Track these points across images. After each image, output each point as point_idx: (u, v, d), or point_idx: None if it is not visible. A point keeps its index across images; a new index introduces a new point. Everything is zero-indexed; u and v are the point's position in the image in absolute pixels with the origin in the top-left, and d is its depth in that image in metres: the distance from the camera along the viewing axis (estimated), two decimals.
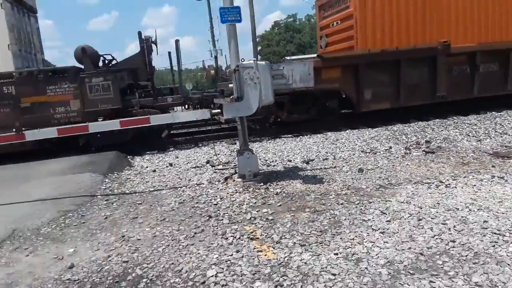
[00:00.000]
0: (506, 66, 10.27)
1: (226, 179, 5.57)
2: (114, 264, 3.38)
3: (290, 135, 9.01)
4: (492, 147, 6.58)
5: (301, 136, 8.48)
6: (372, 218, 3.93)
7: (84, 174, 6.15)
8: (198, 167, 6.54)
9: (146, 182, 5.86)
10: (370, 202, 4.38)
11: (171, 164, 6.78)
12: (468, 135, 7.59)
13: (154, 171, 6.46)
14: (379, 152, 6.90)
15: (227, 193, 4.99)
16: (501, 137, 7.32)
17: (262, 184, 5.24)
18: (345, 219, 3.96)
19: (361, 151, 7.03)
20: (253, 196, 4.84)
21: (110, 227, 4.23)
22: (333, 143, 7.69)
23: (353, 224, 3.83)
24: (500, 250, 3.05)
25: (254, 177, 5.35)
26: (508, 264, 2.84)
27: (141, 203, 4.91)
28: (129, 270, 3.27)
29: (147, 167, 6.76)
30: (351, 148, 7.27)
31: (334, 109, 9.73)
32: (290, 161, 6.65)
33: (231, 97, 5.17)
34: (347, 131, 8.64)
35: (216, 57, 32.66)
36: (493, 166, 5.44)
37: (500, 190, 4.40)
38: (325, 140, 7.99)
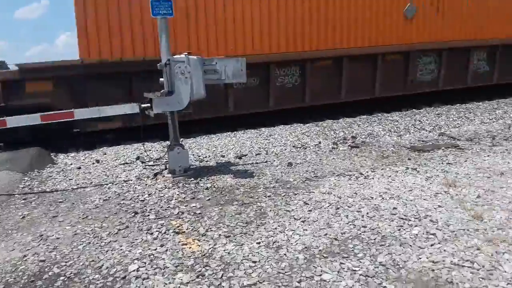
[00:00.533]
0: (267, 82, 9.26)
1: (155, 175, 5.50)
2: (30, 264, 3.24)
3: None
4: (410, 142, 7.11)
5: (235, 132, 8.56)
6: (296, 208, 4.11)
7: (0, 172, 5.74)
8: (127, 163, 6.38)
9: (70, 179, 5.60)
10: (296, 194, 4.57)
11: (98, 161, 6.54)
12: (390, 131, 8.12)
13: (79, 168, 6.19)
14: (309, 147, 7.18)
15: (156, 189, 4.93)
16: (419, 132, 7.93)
17: (192, 179, 5.25)
18: (270, 211, 4.10)
19: (293, 146, 7.27)
20: (182, 191, 4.84)
21: (28, 226, 4.02)
22: (267, 139, 7.86)
23: (277, 215, 3.98)
24: (405, 233, 3.34)
25: (184, 172, 5.34)
26: (410, 245, 3.13)
27: (62, 201, 4.70)
28: (46, 269, 3.14)
29: (71, 164, 6.46)
30: (283, 143, 7.48)
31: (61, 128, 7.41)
32: (223, 156, 6.71)
33: (161, 91, 5.11)
34: (281, 127, 8.87)
35: None
36: (409, 159, 5.89)
37: (412, 180, 4.79)
38: (258, 135, 8.14)
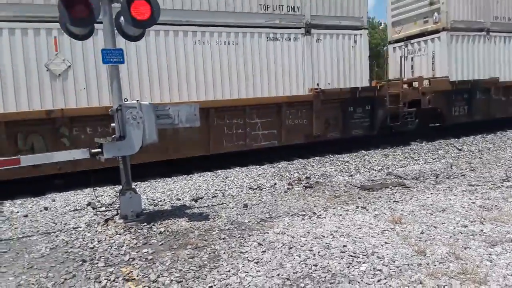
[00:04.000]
0: None
1: (106, 221, 5.35)
2: None
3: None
4: (360, 181, 7.40)
5: (191, 175, 8.54)
6: (250, 250, 4.14)
7: None
8: (77, 210, 6.17)
9: (15, 228, 5.32)
10: (250, 235, 4.60)
11: (46, 208, 6.27)
12: (342, 171, 8.43)
13: (26, 216, 5.90)
14: (265, 188, 7.29)
15: (106, 235, 4.79)
16: (369, 172, 8.29)
17: (145, 224, 5.15)
18: (224, 253, 4.10)
19: (249, 187, 7.35)
20: (134, 237, 4.73)
21: None
22: (223, 181, 7.91)
23: (231, 257, 3.98)
24: (353, 270, 3.45)
25: (137, 217, 5.24)
26: (358, 282, 3.23)
27: (6, 251, 4.44)
28: None
29: (17, 212, 6.15)
30: (239, 185, 7.55)
31: None
32: (178, 199, 6.66)
33: (112, 136, 5.11)
34: (237, 169, 8.96)
35: None
36: (359, 198, 6.13)
37: (361, 218, 4.98)
38: (215, 178, 8.18)
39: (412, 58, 13.79)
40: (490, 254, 3.64)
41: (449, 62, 12.39)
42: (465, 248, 3.83)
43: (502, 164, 8.13)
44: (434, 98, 11.92)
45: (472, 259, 3.58)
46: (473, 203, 5.36)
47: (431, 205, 5.42)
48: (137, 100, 5.09)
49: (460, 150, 10.19)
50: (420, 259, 3.65)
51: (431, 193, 6.07)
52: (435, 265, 3.51)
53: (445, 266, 3.49)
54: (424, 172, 7.86)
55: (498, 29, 13.32)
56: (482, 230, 4.29)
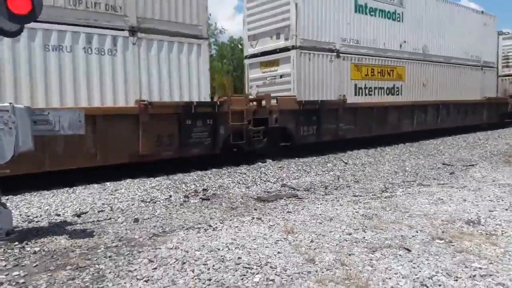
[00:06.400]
0: None
1: None
2: None
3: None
4: (257, 193, 7.52)
5: (74, 187, 7.79)
6: (139, 267, 3.86)
7: None
8: None
9: None
10: (140, 252, 4.31)
11: None
12: (239, 183, 8.49)
13: None
14: (159, 201, 6.97)
15: None
16: (265, 184, 8.48)
17: (16, 243, 4.51)
18: (110, 272, 3.75)
19: (141, 200, 6.95)
20: (3, 258, 4.10)
21: None
22: (112, 194, 7.36)
23: (118, 277, 3.66)
24: (247, 282, 3.42)
25: (6, 235, 4.56)
26: None
27: None
28: None
29: None
30: (130, 198, 7.10)
31: None
32: (58, 215, 5.99)
33: None
34: (128, 181, 8.44)
35: None
36: (255, 209, 6.19)
37: (256, 229, 5.01)
38: (102, 190, 7.58)
39: None
40: (371, 260, 3.92)
41: None
42: (350, 255, 4.07)
43: (381, 177, 9.00)
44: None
45: (356, 265, 3.81)
46: (356, 212, 5.78)
47: (320, 214, 5.71)
48: (10, 103, 4.48)
49: (346, 163, 11.05)
50: (310, 266, 3.77)
51: (321, 204, 6.42)
52: (323, 272, 3.65)
53: (332, 272, 3.66)
54: (315, 184, 8.31)
55: None
56: (364, 237, 4.62)
